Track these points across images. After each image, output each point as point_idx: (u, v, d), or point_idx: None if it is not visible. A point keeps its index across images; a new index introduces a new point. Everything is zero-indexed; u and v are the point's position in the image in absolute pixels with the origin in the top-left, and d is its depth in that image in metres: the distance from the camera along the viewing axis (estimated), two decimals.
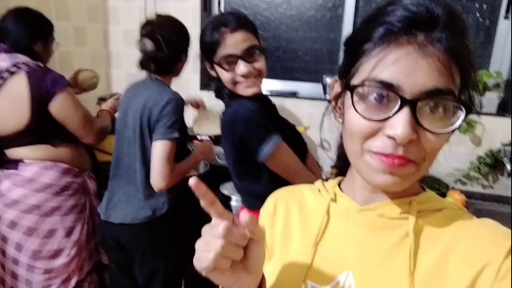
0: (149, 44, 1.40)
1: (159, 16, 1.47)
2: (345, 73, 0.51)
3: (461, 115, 0.45)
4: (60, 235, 1.57)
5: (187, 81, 2.37)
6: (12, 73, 1.46)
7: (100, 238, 1.58)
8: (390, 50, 0.44)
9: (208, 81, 2.39)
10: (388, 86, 0.44)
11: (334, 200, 0.59)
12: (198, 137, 2.09)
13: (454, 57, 0.43)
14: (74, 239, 1.61)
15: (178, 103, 1.41)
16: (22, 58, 1.50)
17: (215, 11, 2.33)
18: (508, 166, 1.74)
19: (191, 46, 2.26)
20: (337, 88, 0.54)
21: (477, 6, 1.91)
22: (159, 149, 1.36)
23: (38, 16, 1.59)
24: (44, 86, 1.46)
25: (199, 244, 0.45)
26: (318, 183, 0.63)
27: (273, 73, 2.28)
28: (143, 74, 1.54)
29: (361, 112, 0.46)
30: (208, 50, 1.17)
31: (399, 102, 0.43)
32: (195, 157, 1.57)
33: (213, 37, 1.13)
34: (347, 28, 2.12)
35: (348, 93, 0.48)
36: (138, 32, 1.49)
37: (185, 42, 1.51)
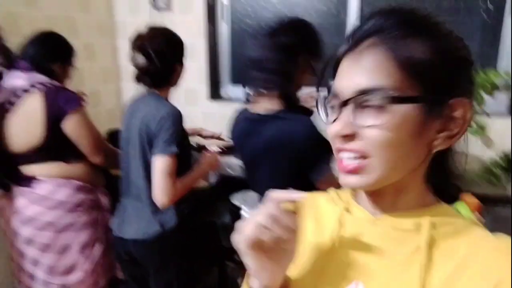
0: (140, 58, 1.39)
1: (149, 29, 1.44)
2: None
3: (397, 106, 0.46)
4: (74, 251, 1.60)
5: (195, 92, 2.40)
6: (27, 91, 1.50)
7: (115, 253, 1.59)
8: (341, 63, 0.52)
9: (215, 92, 2.42)
10: (334, 93, 0.51)
11: (347, 209, 0.59)
12: (208, 148, 2.11)
13: (390, 56, 0.47)
14: (89, 254, 1.64)
15: (175, 116, 1.39)
16: (39, 77, 1.54)
17: (219, 22, 2.36)
18: None
19: (198, 56, 2.28)
20: None
21: (482, 5, 1.89)
22: (159, 164, 1.35)
23: (61, 39, 1.66)
24: (57, 105, 1.49)
25: (242, 222, 0.49)
26: (332, 191, 0.63)
27: None
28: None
29: (323, 119, 0.54)
30: (316, 51, 1.18)
31: (339, 105, 0.50)
32: (201, 169, 1.56)
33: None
34: None
35: None
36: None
37: (178, 52, 1.49)
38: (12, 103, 1.50)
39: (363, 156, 0.49)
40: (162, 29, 1.48)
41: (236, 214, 1.65)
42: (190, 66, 2.32)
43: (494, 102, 1.78)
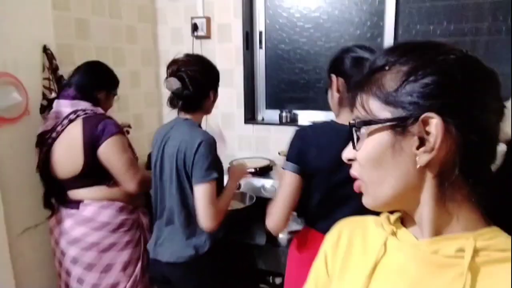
0: (174, 83, 1.43)
1: (185, 55, 1.49)
2: None
3: (373, 128, 0.53)
4: (117, 269, 1.66)
5: (232, 116, 2.48)
6: (71, 120, 1.59)
7: (151, 274, 1.63)
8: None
9: (251, 115, 2.49)
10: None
11: (394, 233, 0.59)
12: None
13: (364, 91, 0.55)
14: (130, 273, 1.69)
15: (211, 144, 1.41)
16: (82, 105, 1.63)
17: (257, 49, 2.44)
18: None
19: (236, 82, 2.35)
20: None
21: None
22: (202, 193, 1.38)
23: (106, 69, 1.76)
24: (95, 132, 1.56)
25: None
26: (383, 216, 0.63)
27: (315, 104, 2.32)
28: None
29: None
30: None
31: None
32: (231, 187, 1.58)
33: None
34: None
35: None
36: None
37: (212, 78, 1.52)
38: (57, 131, 1.60)
39: (361, 178, 0.57)
40: (197, 56, 1.54)
41: (271, 236, 1.66)
42: (229, 91, 2.43)
43: None
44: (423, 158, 0.49)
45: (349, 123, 0.57)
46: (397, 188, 0.53)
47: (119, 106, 2.35)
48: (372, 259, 0.57)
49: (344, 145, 1.24)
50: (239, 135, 2.48)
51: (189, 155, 1.39)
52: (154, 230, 1.59)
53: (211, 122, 2.49)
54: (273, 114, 2.46)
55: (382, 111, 0.52)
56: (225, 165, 2.34)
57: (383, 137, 0.52)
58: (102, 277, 1.65)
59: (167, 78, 1.45)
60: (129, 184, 1.63)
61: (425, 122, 0.49)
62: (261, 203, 1.87)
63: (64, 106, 1.63)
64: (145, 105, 2.58)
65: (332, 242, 0.67)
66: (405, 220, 0.59)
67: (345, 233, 0.66)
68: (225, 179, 1.58)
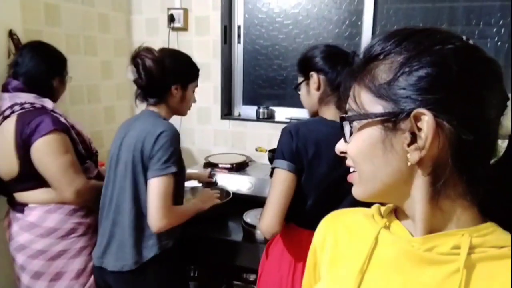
0: (129, 71, 1.37)
1: (146, 47, 1.39)
2: None
3: (363, 122, 0.52)
4: (68, 278, 1.51)
5: (209, 111, 2.43)
6: (6, 117, 1.43)
7: (96, 283, 1.49)
8: None
9: (228, 111, 2.45)
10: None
11: (387, 227, 0.57)
12: (220, 164, 2.11)
13: (357, 82, 0.53)
14: (83, 282, 1.55)
15: (173, 135, 1.33)
16: (23, 97, 1.45)
17: (235, 43, 2.41)
18: None
19: (213, 76, 2.31)
20: None
21: (495, 31, 1.92)
22: (156, 186, 1.27)
23: (54, 51, 1.59)
24: (27, 131, 1.39)
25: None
26: (374, 207, 0.61)
27: (292, 101, 2.31)
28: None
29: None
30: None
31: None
32: (195, 206, 1.50)
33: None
34: None
35: None
36: None
37: (177, 73, 1.42)
38: None
39: (354, 169, 0.56)
40: (165, 48, 1.47)
41: (248, 232, 1.64)
42: (205, 86, 2.38)
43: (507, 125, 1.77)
44: (414, 155, 0.47)
45: (340, 116, 0.56)
46: (388, 184, 0.52)
47: (89, 98, 2.26)
48: (364, 252, 0.55)
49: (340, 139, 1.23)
50: (215, 130, 2.44)
51: (148, 145, 1.30)
52: (98, 236, 1.45)
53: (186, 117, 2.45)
54: (250, 110, 2.43)
55: (373, 104, 0.50)
56: (201, 161, 2.32)
57: (373, 132, 0.50)
58: (51, 285, 1.50)
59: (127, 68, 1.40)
60: (64, 192, 1.43)
61: (417, 118, 0.46)
62: (238, 199, 1.85)
63: (2, 100, 1.45)
64: (117, 97, 2.49)
65: (319, 239, 0.66)
66: (398, 212, 0.57)
67: (330, 230, 0.64)
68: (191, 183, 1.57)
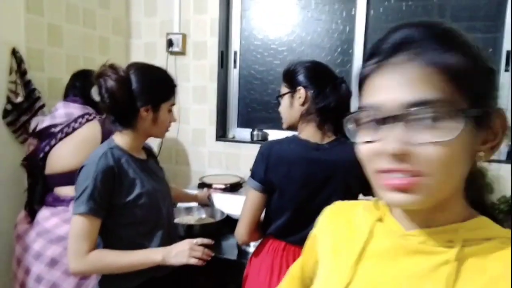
0: (94, 93, 1.25)
1: (110, 65, 1.22)
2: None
3: (459, 122, 0.44)
4: None
5: (204, 132, 2.47)
6: (88, 120, 1.68)
7: None
8: (374, 77, 0.50)
9: (223, 133, 2.50)
10: (374, 108, 0.48)
11: (381, 219, 0.58)
12: (213, 185, 2.13)
13: (437, 68, 0.45)
14: None
15: (94, 170, 1.15)
16: (90, 109, 1.72)
17: (231, 68, 2.49)
18: None
19: (209, 99, 2.32)
20: None
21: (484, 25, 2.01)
22: (71, 225, 1.16)
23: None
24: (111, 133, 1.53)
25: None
26: (372, 200, 0.62)
27: None
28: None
29: (359, 138, 0.51)
30: None
31: (386, 120, 0.47)
32: (146, 257, 1.20)
33: None
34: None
35: None
36: None
37: (146, 90, 1.23)
38: (73, 128, 1.67)
39: (416, 175, 0.46)
40: (130, 66, 1.26)
41: (243, 251, 1.64)
42: (201, 108, 2.44)
43: None
44: (485, 155, 0.48)
45: (412, 103, 0.45)
46: (455, 186, 0.49)
47: None
48: (359, 245, 0.57)
49: (312, 160, 1.26)
50: (210, 152, 2.48)
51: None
52: None
53: (182, 138, 2.49)
54: (244, 133, 2.48)
55: (455, 96, 0.45)
56: (195, 181, 2.33)
57: (462, 128, 0.44)
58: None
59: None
60: None
61: (494, 117, 0.48)
62: (232, 219, 1.86)
63: (72, 108, 1.71)
64: None
65: (322, 226, 0.68)
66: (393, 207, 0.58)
67: (334, 218, 0.67)
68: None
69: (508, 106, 1.75)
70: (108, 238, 1.21)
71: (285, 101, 1.31)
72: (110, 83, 1.18)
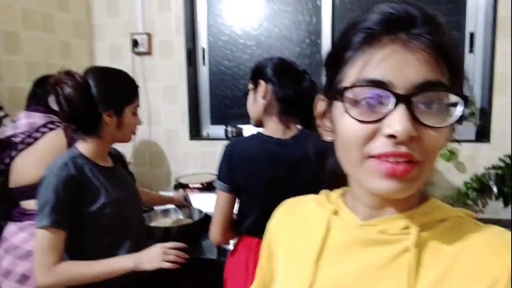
0: (51, 100, 1.20)
1: (66, 71, 1.18)
2: (330, 87, 0.51)
3: (458, 107, 0.44)
4: None
5: (176, 132, 2.43)
6: (51, 129, 1.61)
7: None
8: (375, 51, 0.44)
9: (196, 131, 2.46)
10: (379, 84, 0.43)
11: (336, 212, 0.56)
12: (190, 185, 2.10)
13: (438, 50, 0.43)
14: None
15: (54, 181, 1.10)
16: (54, 118, 1.65)
17: (200, 65, 2.45)
18: (495, 189, 1.79)
19: (179, 98, 2.29)
20: (321, 106, 0.55)
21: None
22: (36, 238, 1.12)
23: None
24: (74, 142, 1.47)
25: None
26: (323, 194, 0.61)
27: None
28: None
29: (355, 115, 0.44)
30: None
31: (392, 99, 0.42)
32: (118, 263, 1.17)
33: None
34: None
35: (337, 103, 0.48)
36: None
37: (107, 95, 1.19)
38: (34, 138, 1.60)
39: (412, 161, 0.43)
40: (88, 71, 1.21)
41: (223, 250, 1.63)
42: (172, 108, 2.39)
43: (462, 130, 1.89)
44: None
45: (423, 83, 0.42)
46: None
47: None
48: (317, 241, 0.54)
49: (275, 157, 1.27)
50: (184, 152, 2.44)
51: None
52: None
53: (154, 140, 2.44)
54: (218, 130, 2.45)
55: (455, 83, 0.45)
56: (171, 183, 2.29)
57: (459, 111, 0.44)
58: None
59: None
60: None
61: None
62: (210, 218, 1.83)
63: (35, 117, 1.64)
64: None
65: (274, 228, 0.65)
66: (346, 197, 0.57)
67: (286, 217, 0.64)
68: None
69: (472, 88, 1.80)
70: (73, 252, 1.17)
71: (250, 98, 1.34)
72: (68, 90, 1.13)
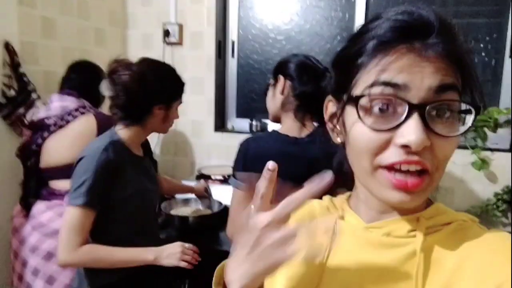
0: (104, 87, 1.21)
1: (120, 60, 1.22)
2: (341, 90, 0.50)
3: (469, 116, 0.44)
4: None
5: (202, 124, 2.45)
6: (82, 113, 1.66)
7: None
8: (390, 58, 0.43)
9: (221, 124, 2.47)
10: (394, 87, 0.42)
11: (342, 217, 0.57)
12: (212, 176, 2.12)
13: (453, 60, 0.43)
14: None
15: (93, 162, 1.13)
16: (86, 103, 1.71)
17: (229, 58, 2.45)
18: None
19: (207, 90, 2.30)
20: (332, 107, 0.55)
21: (482, 46, 1.97)
22: (65, 217, 1.15)
23: (98, 68, 1.83)
24: (107, 128, 1.46)
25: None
26: (327, 199, 0.62)
27: None
28: None
29: (369, 124, 0.44)
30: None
31: (406, 108, 0.42)
32: (138, 255, 1.21)
33: None
34: None
35: (349, 109, 0.47)
36: None
37: (159, 91, 1.25)
38: (66, 121, 1.64)
39: (423, 171, 0.43)
40: (147, 61, 1.27)
41: None
42: (199, 99, 2.41)
43: (496, 138, 1.81)
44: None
45: (439, 88, 0.42)
46: None
47: None
48: (324, 244, 0.54)
49: (289, 156, 1.26)
50: (208, 143, 2.46)
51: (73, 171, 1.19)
52: None
53: (180, 130, 2.47)
54: (243, 123, 2.46)
55: (466, 92, 0.46)
56: (194, 173, 2.32)
57: (471, 120, 0.45)
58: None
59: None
60: None
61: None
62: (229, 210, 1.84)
63: (67, 101, 1.68)
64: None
65: None
66: (350, 201, 0.58)
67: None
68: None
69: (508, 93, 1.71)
70: (95, 234, 1.20)
71: (269, 93, 1.34)
72: (125, 79, 1.18)
